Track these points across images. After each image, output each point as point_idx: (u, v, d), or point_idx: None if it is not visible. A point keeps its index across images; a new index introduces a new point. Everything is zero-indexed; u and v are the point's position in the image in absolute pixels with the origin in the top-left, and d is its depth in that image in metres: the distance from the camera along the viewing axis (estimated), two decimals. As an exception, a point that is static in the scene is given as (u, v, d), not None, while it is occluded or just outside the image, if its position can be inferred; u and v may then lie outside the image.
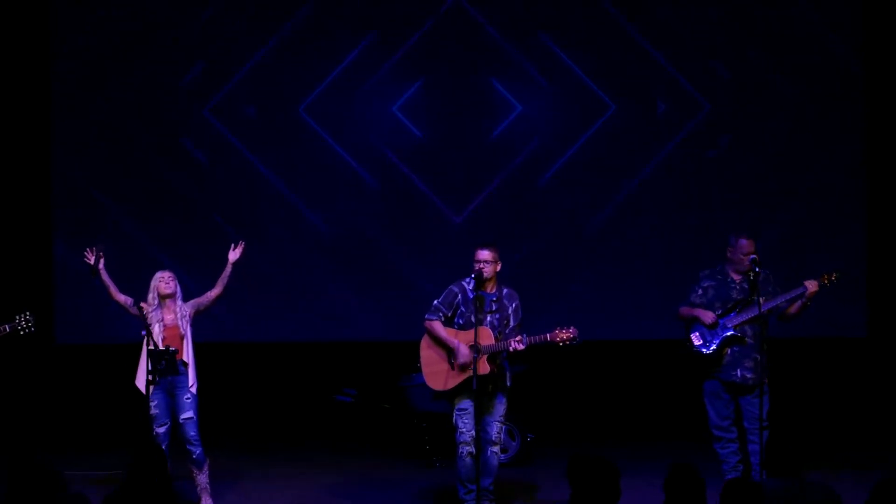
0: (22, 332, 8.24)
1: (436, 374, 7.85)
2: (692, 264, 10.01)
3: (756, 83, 10.82)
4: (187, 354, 8.07)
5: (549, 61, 10.90)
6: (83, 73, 10.86)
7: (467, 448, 7.79)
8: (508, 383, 7.92)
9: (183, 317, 8.11)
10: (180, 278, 8.29)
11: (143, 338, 8.00)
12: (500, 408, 7.88)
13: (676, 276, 10.40)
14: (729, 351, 8.22)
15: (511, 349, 7.64)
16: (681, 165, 10.89)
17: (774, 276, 8.41)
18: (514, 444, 9.67)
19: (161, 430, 8.02)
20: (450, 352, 7.80)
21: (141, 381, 7.96)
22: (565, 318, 7.95)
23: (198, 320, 8.27)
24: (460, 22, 10.88)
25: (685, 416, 9.67)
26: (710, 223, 10.74)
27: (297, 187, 10.95)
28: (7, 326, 8.17)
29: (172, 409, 8.05)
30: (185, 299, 8.24)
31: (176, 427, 8.06)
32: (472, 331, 7.65)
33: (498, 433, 7.90)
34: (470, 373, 7.62)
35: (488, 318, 7.80)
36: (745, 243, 8.25)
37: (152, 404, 7.99)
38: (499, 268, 7.87)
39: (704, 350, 8.24)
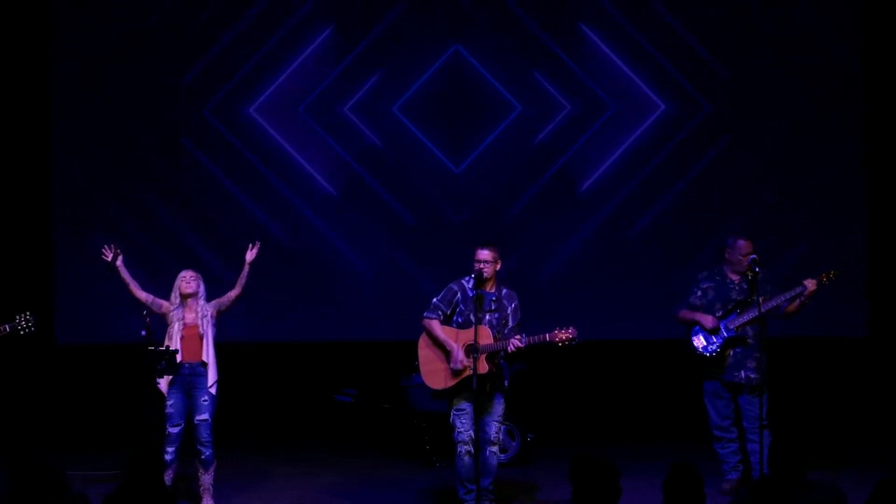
0: (22, 332, 8.24)
1: (434, 372, 7.85)
2: (692, 264, 10.05)
3: (756, 83, 10.83)
4: (206, 354, 8.07)
5: (547, 61, 10.91)
6: (83, 73, 10.85)
7: (466, 448, 7.79)
8: (506, 383, 7.93)
9: (204, 316, 8.10)
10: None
11: (164, 336, 8.04)
12: (498, 408, 7.88)
13: (676, 276, 10.43)
14: (732, 352, 8.23)
15: (510, 349, 7.64)
16: (681, 165, 10.89)
17: (773, 275, 8.41)
18: (514, 444, 9.67)
19: (174, 430, 8.02)
20: (447, 351, 7.80)
21: (162, 381, 7.98)
22: (565, 319, 7.94)
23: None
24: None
25: (685, 416, 9.68)
26: (710, 223, 10.74)
27: (297, 187, 10.95)
28: (7, 326, 8.17)
29: (189, 411, 8.06)
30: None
31: (189, 427, 8.07)
32: (472, 329, 7.65)
33: (496, 433, 7.89)
34: (468, 373, 7.62)
35: (487, 318, 7.80)
36: (743, 244, 8.26)
37: (168, 403, 8.01)
38: (498, 267, 7.88)
39: (707, 352, 8.24)
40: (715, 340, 8.22)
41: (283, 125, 10.95)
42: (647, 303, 10.74)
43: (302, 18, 10.91)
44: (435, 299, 7.97)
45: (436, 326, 7.87)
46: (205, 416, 8.04)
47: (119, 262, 8.23)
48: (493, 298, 7.85)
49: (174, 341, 8.01)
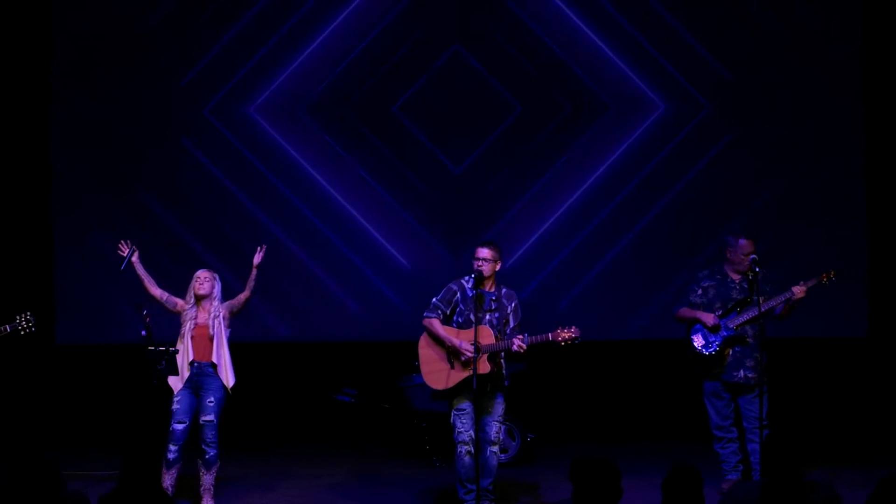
0: (22, 332, 8.24)
1: (435, 372, 7.84)
2: (692, 264, 10.05)
3: (756, 83, 10.82)
4: (217, 355, 8.08)
5: (547, 61, 10.91)
6: (83, 73, 10.85)
7: (466, 448, 7.79)
8: (506, 383, 7.93)
9: (216, 317, 8.11)
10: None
11: (178, 336, 8.06)
12: (498, 408, 7.87)
13: (676, 276, 10.43)
14: (731, 351, 8.23)
15: (515, 349, 7.63)
16: (681, 165, 10.90)
17: (774, 276, 8.41)
18: (514, 444, 9.67)
19: (179, 427, 8.02)
20: (449, 350, 7.80)
21: (173, 379, 7.98)
22: (565, 318, 7.95)
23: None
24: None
25: (685, 416, 9.68)
26: (710, 223, 10.74)
27: (297, 187, 10.95)
28: (7, 326, 8.18)
29: (195, 410, 8.06)
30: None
31: (194, 427, 8.07)
32: (472, 329, 7.65)
33: (496, 433, 7.89)
34: (469, 371, 7.62)
35: (487, 317, 7.79)
36: (744, 243, 8.27)
37: (175, 400, 8.03)
38: (498, 267, 7.88)
39: (706, 351, 8.25)
40: (715, 339, 8.23)
41: (284, 125, 10.96)
42: (647, 303, 10.75)
43: (302, 18, 10.91)
44: (434, 299, 7.97)
45: (436, 325, 7.86)
46: (210, 417, 8.05)
47: (135, 258, 8.24)
48: (493, 298, 7.85)
49: (185, 340, 8.02)
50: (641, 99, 10.89)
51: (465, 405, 7.78)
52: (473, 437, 7.71)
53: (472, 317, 7.75)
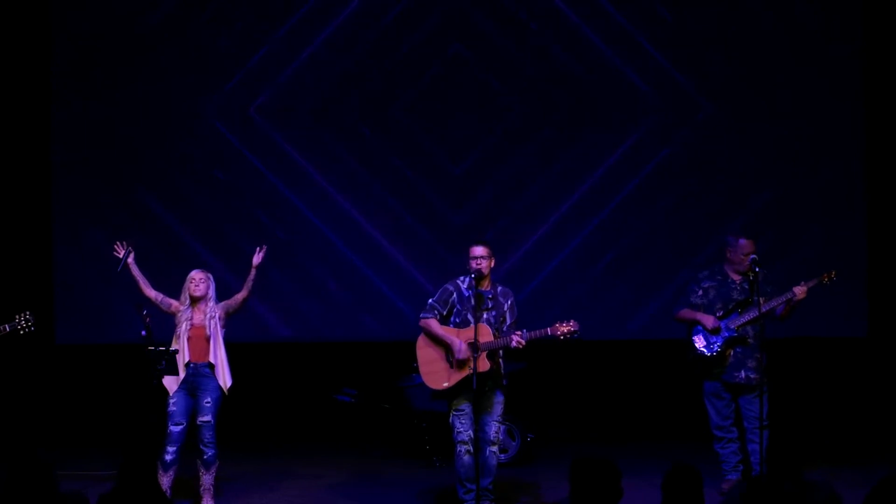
0: (22, 332, 8.24)
1: (434, 372, 7.85)
2: (692, 264, 10.05)
3: (756, 83, 10.82)
4: (214, 356, 8.07)
5: (546, 62, 10.91)
6: (83, 72, 10.85)
7: (465, 447, 7.79)
8: (505, 381, 7.92)
9: (212, 318, 8.09)
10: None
11: (173, 336, 8.05)
12: (497, 407, 7.88)
13: (676, 276, 10.43)
14: (732, 352, 8.23)
15: (513, 346, 7.64)
16: (680, 165, 10.89)
17: (775, 276, 8.41)
18: (514, 444, 9.67)
19: (176, 429, 8.01)
20: (447, 349, 7.80)
21: (168, 380, 7.97)
22: (565, 317, 7.93)
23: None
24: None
25: (685, 416, 9.68)
26: (710, 223, 10.74)
27: (296, 187, 10.95)
28: (7, 326, 8.17)
29: (192, 411, 8.05)
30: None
31: (192, 428, 8.06)
32: (470, 329, 7.66)
33: (496, 433, 7.89)
34: (468, 370, 7.62)
35: (485, 316, 7.80)
36: (744, 244, 8.26)
37: (171, 402, 8.01)
38: (492, 264, 7.88)
39: (708, 352, 8.25)
40: (716, 340, 8.23)
41: (284, 125, 10.95)
42: (647, 303, 10.75)
43: (302, 19, 10.91)
44: (431, 300, 7.98)
45: (433, 324, 7.87)
46: (208, 418, 8.04)
47: (130, 260, 8.22)
48: (490, 296, 7.86)
49: (181, 341, 8.01)
50: (642, 98, 10.88)
51: (465, 406, 7.79)
52: (472, 436, 7.72)
53: (469, 317, 7.78)
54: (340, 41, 10.91)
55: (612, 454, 4.89)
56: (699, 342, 8.27)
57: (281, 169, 10.94)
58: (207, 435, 8.05)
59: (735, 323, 8.20)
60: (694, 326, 8.32)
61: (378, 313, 10.96)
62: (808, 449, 5.55)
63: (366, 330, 10.96)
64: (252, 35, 10.90)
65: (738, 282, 8.32)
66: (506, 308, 7.91)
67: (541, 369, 9.93)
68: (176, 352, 7.90)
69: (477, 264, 7.78)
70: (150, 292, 8.23)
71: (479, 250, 7.82)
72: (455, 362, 7.76)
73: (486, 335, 7.70)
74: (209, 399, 8.04)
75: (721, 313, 8.26)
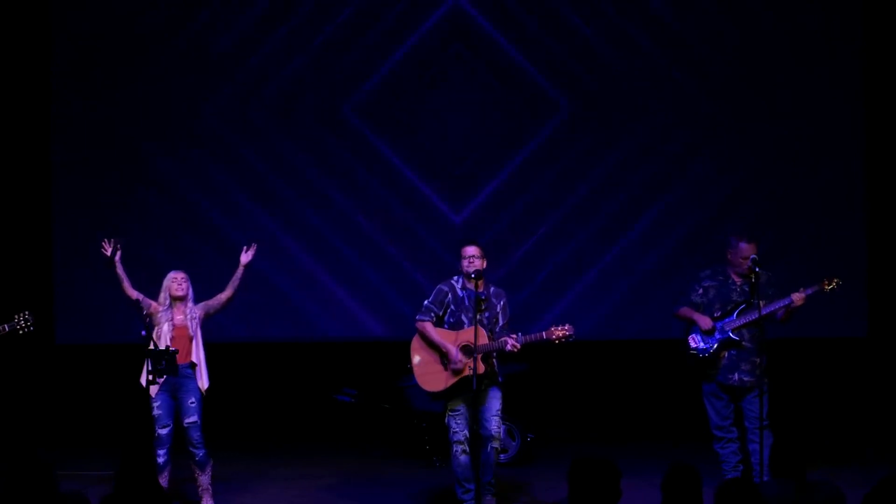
0: (22, 332, 8.22)
1: (430, 374, 7.85)
2: (692, 264, 10.03)
3: (756, 83, 10.82)
4: (196, 356, 8.05)
5: (546, 62, 10.91)
6: (83, 72, 10.85)
7: (461, 447, 7.80)
8: (500, 378, 7.91)
9: (192, 318, 8.08)
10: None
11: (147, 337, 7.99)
12: (495, 402, 7.85)
13: (676, 276, 10.42)
14: (726, 354, 8.21)
15: (508, 349, 7.63)
16: (680, 165, 10.89)
17: (777, 279, 8.37)
18: (514, 444, 9.67)
19: (163, 431, 7.99)
20: (443, 353, 7.80)
21: (145, 381, 7.95)
22: (565, 318, 7.94)
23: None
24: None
25: (685, 416, 9.68)
26: (710, 223, 10.74)
27: (296, 187, 10.95)
28: (7, 326, 8.16)
29: (176, 412, 8.03)
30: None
31: (179, 429, 8.04)
32: (465, 330, 7.68)
33: (498, 427, 7.88)
34: (467, 371, 7.61)
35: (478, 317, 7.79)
36: (745, 247, 8.20)
37: (155, 405, 7.98)
38: (484, 264, 7.86)
39: (701, 353, 8.24)
40: (710, 341, 8.22)
41: (283, 125, 10.95)
42: (647, 303, 10.74)
43: (302, 19, 10.91)
44: (426, 302, 7.97)
45: (430, 329, 7.87)
46: (194, 419, 8.00)
47: (117, 258, 8.20)
48: (483, 297, 7.84)
49: (163, 342, 7.96)
50: (642, 99, 10.89)
51: (460, 406, 7.80)
52: (469, 436, 7.72)
53: (463, 317, 7.79)
54: (340, 41, 10.91)
55: (611, 454, 4.89)
56: (693, 342, 8.27)
57: (281, 169, 10.94)
58: (196, 436, 8.01)
59: (731, 325, 8.18)
60: (691, 326, 8.32)
61: (378, 313, 10.96)
62: (808, 449, 5.54)
63: (366, 330, 10.96)
64: (252, 35, 10.90)
65: (738, 283, 8.30)
66: (498, 309, 7.91)
67: (541, 369, 9.93)
68: (176, 352, 7.86)
69: (470, 263, 7.77)
70: (132, 292, 8.18)
71: (471, 250, 7.81)
72: (451, 370, 7.76)
73: (482, 337, 7.67)
74: (193, 399, 8.01)
75: (719, 314, 8.25)
